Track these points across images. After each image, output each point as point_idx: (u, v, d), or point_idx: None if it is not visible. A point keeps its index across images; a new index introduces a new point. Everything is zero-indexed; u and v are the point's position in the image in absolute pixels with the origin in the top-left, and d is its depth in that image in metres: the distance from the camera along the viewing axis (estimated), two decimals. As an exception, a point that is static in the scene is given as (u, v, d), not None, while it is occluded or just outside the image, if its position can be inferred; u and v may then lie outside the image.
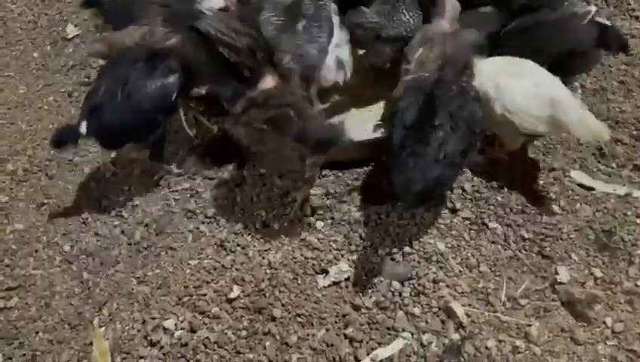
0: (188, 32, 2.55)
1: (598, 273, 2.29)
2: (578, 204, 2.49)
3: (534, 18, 2.62)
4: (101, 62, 3.33)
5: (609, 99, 2.78)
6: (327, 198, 2.64)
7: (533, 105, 2.32)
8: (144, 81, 2.50)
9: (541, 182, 2.57)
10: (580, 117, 2.27)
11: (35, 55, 3.66)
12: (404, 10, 2.68)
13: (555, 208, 2.49)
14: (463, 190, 2.57)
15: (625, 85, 2.83)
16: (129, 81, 2.50)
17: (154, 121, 2.57)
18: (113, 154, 2.98)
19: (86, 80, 3.42)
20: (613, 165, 2.60)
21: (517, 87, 2.36)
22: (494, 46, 2.63)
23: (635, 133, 2.67)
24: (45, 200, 2.87)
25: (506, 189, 2.57)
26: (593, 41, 2.48)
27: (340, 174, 2.73)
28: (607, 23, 2.52)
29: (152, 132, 2.62)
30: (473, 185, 2.59)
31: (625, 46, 2.55)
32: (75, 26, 3.77)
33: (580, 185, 2.55)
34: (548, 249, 2.36)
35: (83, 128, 2.46)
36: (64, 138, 2.47)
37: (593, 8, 2.50)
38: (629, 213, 2.43)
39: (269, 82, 2.53)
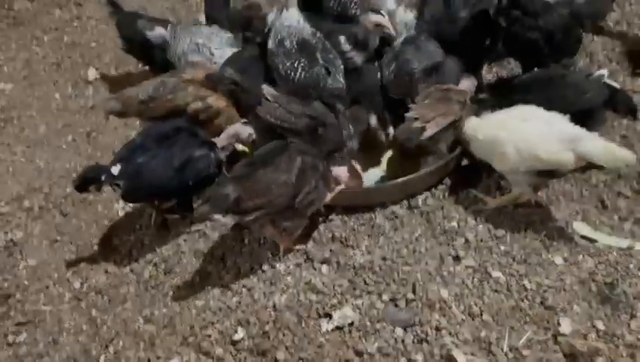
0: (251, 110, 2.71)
1: (600, 325, 2.29)
2: (580, 256, 2.51)
3: (548, 72, 2.75)
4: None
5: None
6: (333, 243, 2.69)
7: (551, 143, 2.41)
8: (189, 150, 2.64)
9: (544, 232, 2.60)
10: (604, 146, 2.36)
11: (57, 96, 3.81)
12: (428, 45, 2.91)
13: (558, 259, 2.52)
14: (467, 239, 2.61)
15: (627, 139, 2.89)
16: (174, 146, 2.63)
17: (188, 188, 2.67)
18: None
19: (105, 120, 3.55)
20: (616, 218, 2.63)
21: (530, 128, 2.47)
22: (508, 95, 2.75)
23: (637, 186, 2.71)
24: (58, 237, 2.95)
25: (509, 239, 2.61)
26: (603, 102, 2.59)
27: (347, 219, 2.78)
28: (617, 86, 2.61)
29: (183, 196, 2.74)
30: (477, 234, 2.63)
31: (633, 110, 2.64)
32: (97, 69, 3.93)
33: (583, 237, 2.57)
34: (550, 300, 2.38)
35: (116, 170, 2.54)
36: (91, 176, 2.54)
37: (605, 72, 2.60)
38: (631, 266, 2.45)
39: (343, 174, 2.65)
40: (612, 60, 3.29)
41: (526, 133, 2.47)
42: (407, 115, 2.75)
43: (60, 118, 3.65)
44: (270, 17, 2.94)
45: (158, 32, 3.15)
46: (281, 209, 2.41)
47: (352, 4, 3.07)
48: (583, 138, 2.38)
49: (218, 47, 3.09)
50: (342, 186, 2.65)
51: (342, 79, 2.86)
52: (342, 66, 2.88)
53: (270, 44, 2.89)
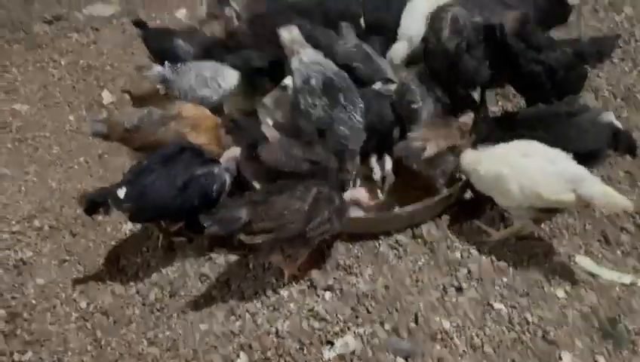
0: (247, 149, 2.74)
1: (601, 361, 2.30)
2: (583, 290, 2.52)
3: (552, 110, 2.78)
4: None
5: (615, 189, 2.84)
6: (337, 270, 2.72)
7: (553, 182, 2.44)
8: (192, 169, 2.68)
9: (547, 265, 2.62)
10: (604, 190, 2.40)
11: (71, 118, 3.89)
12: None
13: (560, 293, 2.53)
14: (469, 270, 2.63)
15: (631, 175, 2.92)
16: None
17: (193, 207, 2.67)
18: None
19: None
20: (619, 253, 2.65)
21: (533, 165, 2.50)
22: (511, 130, 2.79)
23: (639, 222, 2.73)
24: (67, 257, 2.99)
25: (511, 271, 2.63)
26: (606, 143, 2.64)
27: (351, 246, 2.82)
28: (620, 125, 2.65)
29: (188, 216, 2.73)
30: (480, 266, 2.65)
31: (633, 149, 2.67)
32: (111, 92, 4.02)
33: (586, 271, 2.59)
34: (552, 334, 2.38)
35: (122, 193, 2.57)
36: (98, 200, 2.58)
37: (612, 116, 2.64)
38: (634, 302, 2.46)
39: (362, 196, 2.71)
40: (617, 96, 3.34)
41: (530, 171, 2.49)
42: (409, 134, 2.83)
43: (74, 139, 3.72)
44: (294, 62, 2.97)
45: (156, 71, 3.17)
46: (291, 235, 2.45)
47: None
48: (586, 180, 2.41)
49: (225, 80, 3.12)
50: (360, 211, 2.70)
51: (361, 118, 2.86)
52: (362, 105, 2.89)
53: (297, 82, 2.93)
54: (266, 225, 2.40)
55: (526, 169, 2.50)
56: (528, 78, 2.92)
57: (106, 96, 3.99)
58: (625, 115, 3.19)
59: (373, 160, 2.95)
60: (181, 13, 4.71)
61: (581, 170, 2.46)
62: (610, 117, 2.65)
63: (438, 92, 2.97)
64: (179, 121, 2.91)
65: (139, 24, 3.57)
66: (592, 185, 2.41)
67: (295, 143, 2.75)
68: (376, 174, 2.90)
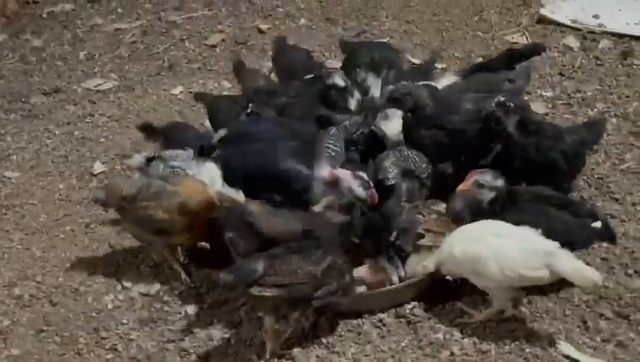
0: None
1: None
2: (563, 376, 2.53)
3: (545, 194, 2.88)
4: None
5: (592, 274, 2.93)
6: (319, 348, 2.69)
7: (530, 259, 2.51)
8: None
9: (528, 350, 2.63)
10: (575, 266, 2.49)
11: (61, 186, 3.93)
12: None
13: (541, 378, 2.53)
14: (452, 352, 2.63)
15: (607, 262, 3.00)
16: None
17: None
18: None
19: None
20: (598, 339, 2.67)
21: (508, 244, 2.58)
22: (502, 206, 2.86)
23: (617, 309, 2.78)
24: (45, 327, 2.93)
25: (493, 354, 2.62)
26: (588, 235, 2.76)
27: (334, 324, 2.81)
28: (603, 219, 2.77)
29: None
30: (462, 348, 2.65)
31: (612, 237, 2.79)
32: (103, 163, 4.09)
33: (566, 356, 2.60)
34: (534, 420, 2.36)
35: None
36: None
37: (599, 224, 2.74)
38: (613, 388, 2.46)
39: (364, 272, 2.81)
40: (591, 186, 3.48)
41: (507, 251, 2.57)
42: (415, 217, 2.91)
43: (62, 208, 3.74)
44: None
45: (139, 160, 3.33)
46: (298, 297, 2.50)
47: None
48: (558, 255, 2.51)
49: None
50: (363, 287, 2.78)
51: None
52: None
53: None
54: (278, 279, 2.46)
55: (503, 249, 2.58)
56: (543, 166, 3.03)
57: (97, 167, 4.05)
58: (600, 204, 3.32)
59: (385, 263, 2.88)
60: (177, 91, 4.89)
61: (552, 245, 2.55)
62: (598, 224, 2.75)
63: (418, 169, 3.08)
64: (170, 196, 2.90)
65: (199, 97, 3.68)
66: (564, 259, 2.51)
67: (280, 211, 2.84)
68: (394, 276, 2.87)
